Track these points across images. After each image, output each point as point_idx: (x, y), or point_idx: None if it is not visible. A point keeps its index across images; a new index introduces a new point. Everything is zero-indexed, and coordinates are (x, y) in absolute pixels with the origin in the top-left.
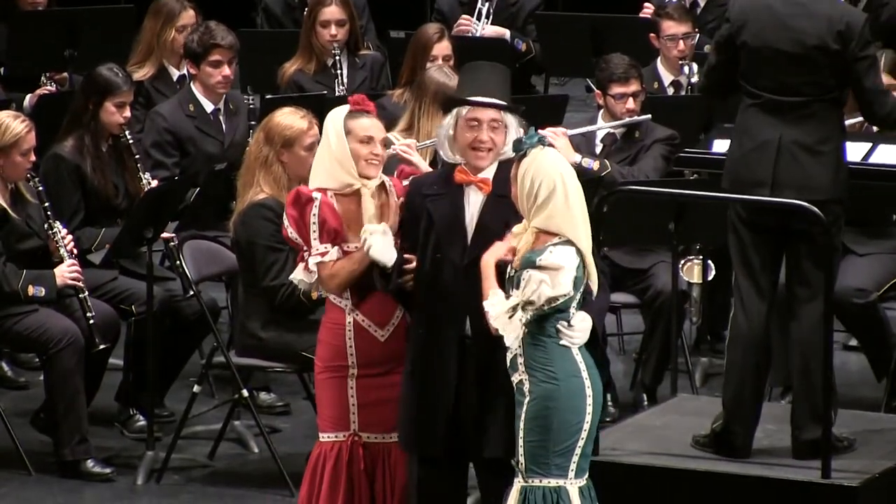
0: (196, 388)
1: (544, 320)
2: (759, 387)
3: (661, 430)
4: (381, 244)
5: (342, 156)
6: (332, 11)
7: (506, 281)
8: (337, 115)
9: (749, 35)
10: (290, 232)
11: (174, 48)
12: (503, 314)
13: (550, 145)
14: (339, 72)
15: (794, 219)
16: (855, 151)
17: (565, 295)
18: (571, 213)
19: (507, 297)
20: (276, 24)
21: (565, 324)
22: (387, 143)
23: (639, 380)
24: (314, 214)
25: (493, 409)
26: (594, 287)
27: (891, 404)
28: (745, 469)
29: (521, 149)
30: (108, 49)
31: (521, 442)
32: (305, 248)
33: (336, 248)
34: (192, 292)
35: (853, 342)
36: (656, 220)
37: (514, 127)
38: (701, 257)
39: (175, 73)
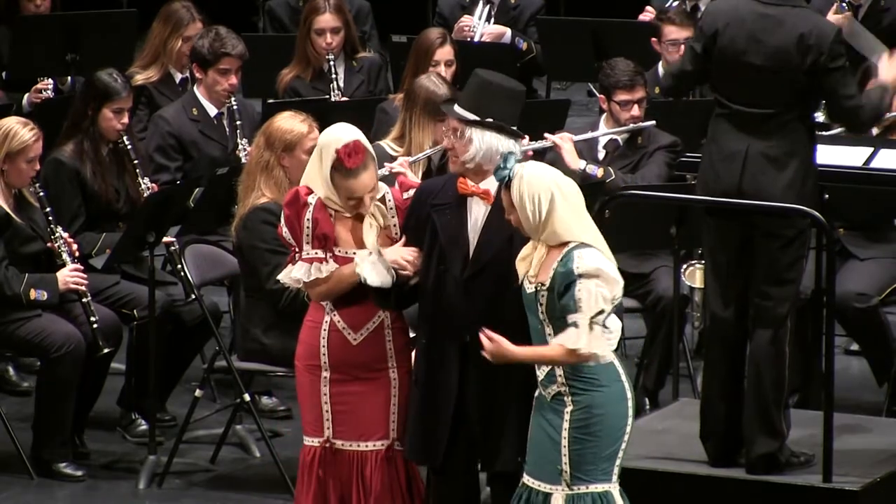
0: (198, 393)
1: None
2: (729, 392)
3: (663, 435)
4: (372, 271)
5: (333, 199)
6: (325, 19)
7: (530, 297)
8: (326, 162)
9: (720, 46)
10: (285, 231)
11: (179, 56)
12: (590, 338)
13: (529, 157)
14: (334, 77)
15: (757, 232)
16: (856, 156)
17: (622, 288)
18: (578, 216)
19: (542, 321)
20: (279, 28)
21: (605, 328)
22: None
23: (640, 384)
24: (308, 219)
25: (502, 420)
26: None
27: (892, 408)
28: (745, 474)
29: (504, 176)
30: (111, 54)
31: (564, 451)
32: (297, 249)
33: (332, 261)
34: (193, 296)
35: (854, 346)
36: (658, 224)
37: (477, 141)
38: (702, 262)
39: (178, 76)
